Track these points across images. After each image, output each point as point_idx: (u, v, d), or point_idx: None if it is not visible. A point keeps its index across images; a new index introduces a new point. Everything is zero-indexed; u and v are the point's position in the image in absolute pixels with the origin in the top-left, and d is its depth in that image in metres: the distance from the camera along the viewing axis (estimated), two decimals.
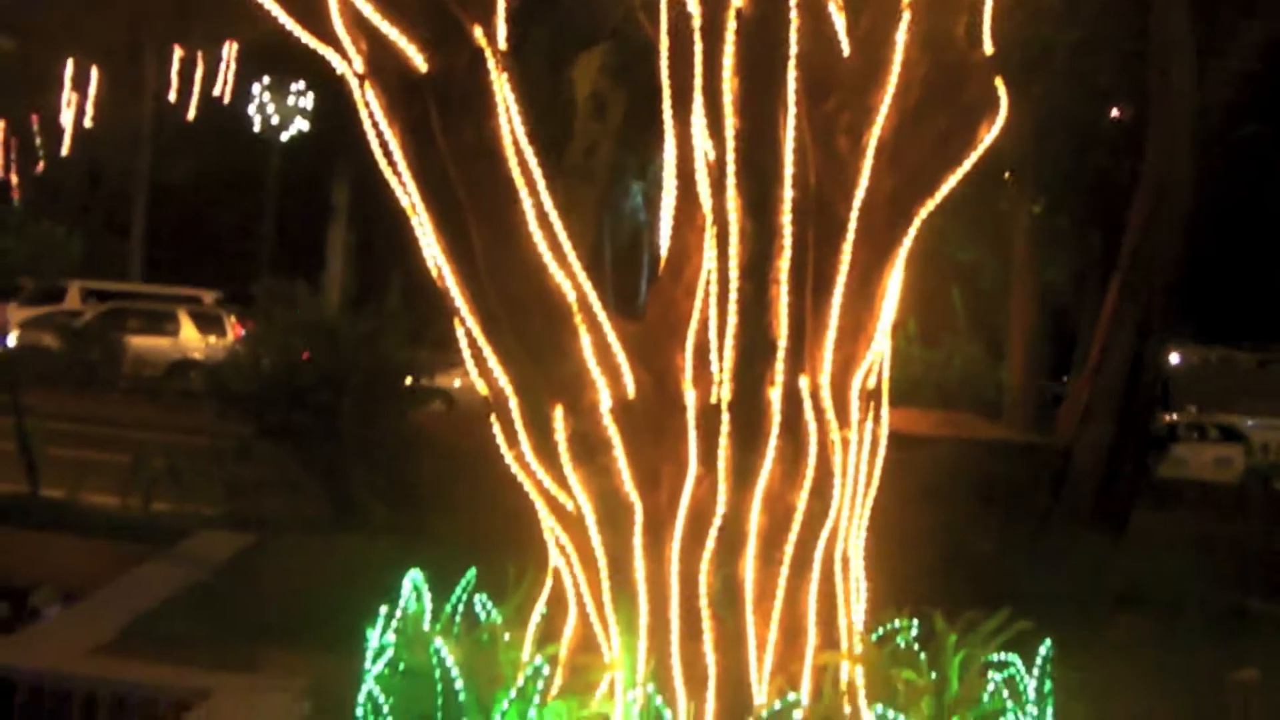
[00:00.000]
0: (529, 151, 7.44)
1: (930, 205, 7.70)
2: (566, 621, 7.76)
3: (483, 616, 8.41)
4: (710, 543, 7.30)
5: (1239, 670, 11.85)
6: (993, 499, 13.90)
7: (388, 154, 7.63)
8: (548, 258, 7.38)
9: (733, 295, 7.26)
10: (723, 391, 7.33)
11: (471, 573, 9.10)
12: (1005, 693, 7.82)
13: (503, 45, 7.41)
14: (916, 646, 8.00)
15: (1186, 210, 15.81)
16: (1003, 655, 8.03)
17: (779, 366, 7.27)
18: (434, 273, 7.63)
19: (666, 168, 7.82)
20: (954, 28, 7.79)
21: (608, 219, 32.62)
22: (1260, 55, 20.37)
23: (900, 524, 11.67)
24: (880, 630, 8.08)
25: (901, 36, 7.60)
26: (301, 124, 48.53)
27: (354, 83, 7.58)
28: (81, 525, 14.94)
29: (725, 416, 7.31)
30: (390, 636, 8.10)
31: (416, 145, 7.49)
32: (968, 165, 7.77)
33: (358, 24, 7.42)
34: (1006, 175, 26.61)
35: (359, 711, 7.83)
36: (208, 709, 8.97)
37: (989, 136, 7.74)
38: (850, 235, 7.46)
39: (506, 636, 7.97)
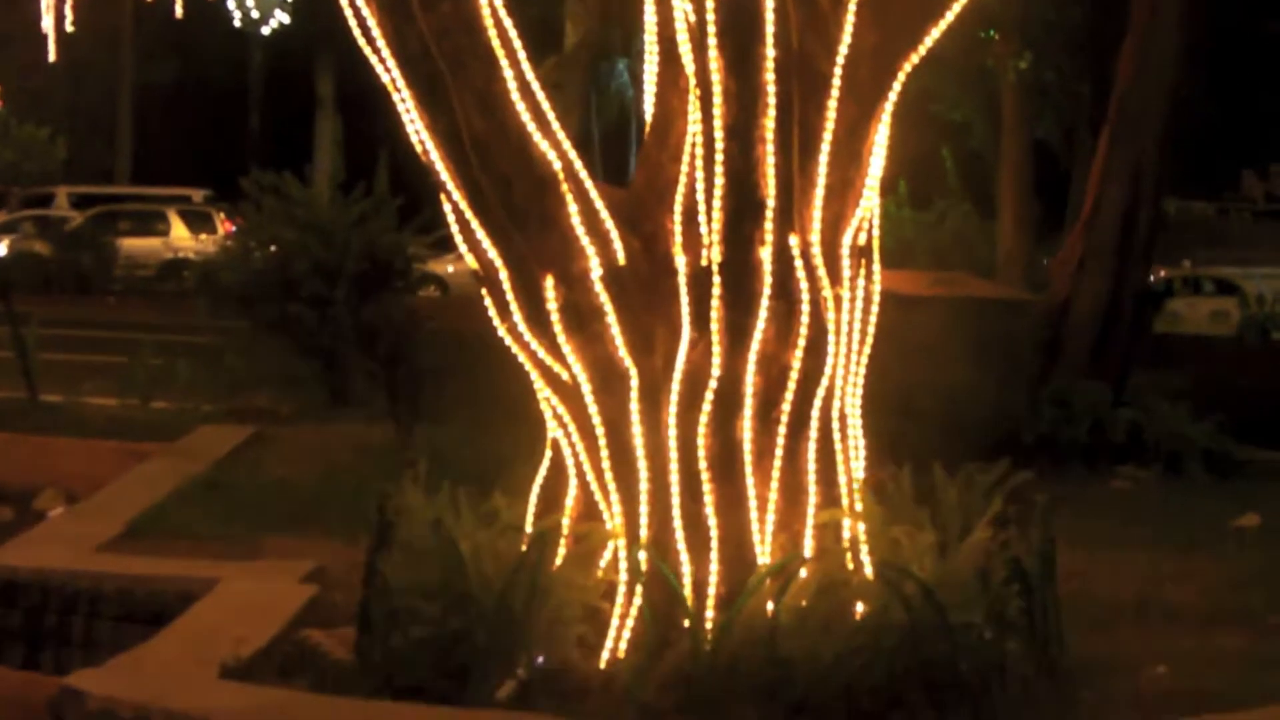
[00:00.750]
0: (508, 22, 7.39)
1: (915, 59, 7.63)
2: (567, 491, 7.77)
3: (483, 492, 8.41)
4: (706, 406, 7.29)
5: (1240, 516, 11.95)
6: (989, 355, 13.87)
7: (366, 33, 7.57)
8: (531, 128, 7.34)
9: (718, 157, 7.20)
10: (713, 254, 7.30)
11: (470, 448, 9.15)
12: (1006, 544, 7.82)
13: None
14: (917, 501, 8.01)
15: (1174, 57, 15.68)
16: (1003, 507, 8.03)
17: (768, 226, 7.23)
18: (418, 149, 7.59)
19: (647, 31, 7.77)
20: None
21: (594, 97, 32.42)
22: None
23: (898, 383, 11.71)
24: (880, 487, 8.10)
25: None
26: (282, 17, 48.09)
27: None
28: (82, 428, 14.96)
29: (716, 279, 7.28)
30: (393, 517, 8.10)
31: (395, 22, 7.41)
32: (950, 17, 7.69)
33: None
34: (992, 32, 26.37)
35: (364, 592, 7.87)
36: (214, 598, 9.00)
37: None
38: (835, 91, 7.38)
39: (508, 510, 7.97)
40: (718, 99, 7.17)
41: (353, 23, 7.58)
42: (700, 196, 7.31)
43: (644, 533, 7.33)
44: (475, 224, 7.54)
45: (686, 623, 7.12)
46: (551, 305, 7.40)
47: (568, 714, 6.96)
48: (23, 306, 18.37)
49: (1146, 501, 12.76)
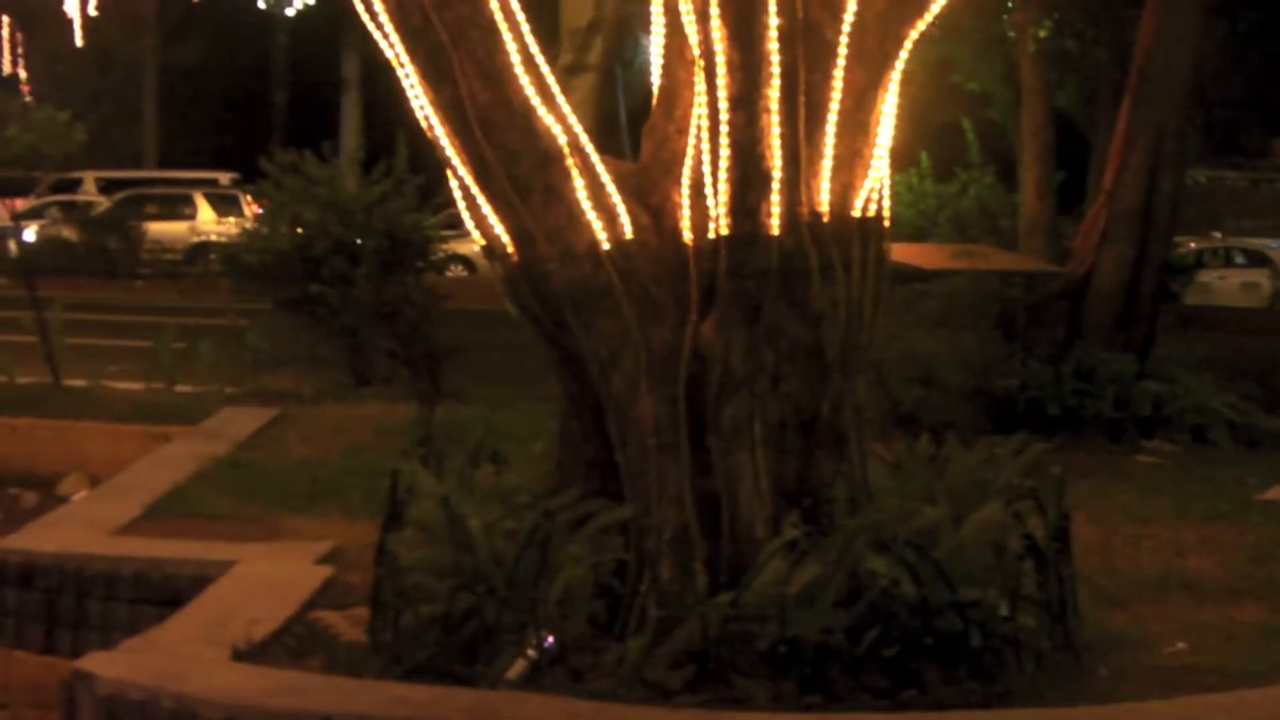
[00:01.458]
0: None
1: (921, 25, 7.53)
2: (577, 468, 7.71)
3: (499, 471, 8.37)
4: (715, 380, 7.24)
5: (1266, 489, 11.83)
6: (1013, 326, 13.77)
7: (369, 6, 7.52)
8: (536, 100, 7.29)
9: (723, 128, 7.14)
10: (720, 226, 7.23)
11: (486, 429, 9.09)
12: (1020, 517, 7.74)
13: None
14: (933, 473, 7.94)
15: (1196, 22, 15.52)
16: (1020, 480, 7.95)
17: (774, 198, 7.16)
18: (423, 124, 7.53)
19: (654, 3, 7.69)
20: None
21: (619, 74, 32.28)
22: None
23: (921, 355, 11.64)
24: (895, 459, 8.03)
25: None
26: None
27: None
28: (106, 412, 14.96)
29: (724, 251, 7.21)
30: (404, 496, 8.06)
31: None
32: None
33: None
34: (1010, 1, 26.18)
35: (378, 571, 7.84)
36: (230, 579, 8.98)
37: None
38: (841, 59, 7.30)
39: (519, 488, 7.93)
40: (721, 69, 7.10)
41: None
42: (706, 168, 7.24)
43: (654, 509, 7.27)
44: (481, 199, 7.49)
45: (697, 600, 7.06)
46: (558, 280, 7.34)
47: (578, 693, 6.91)
48: (50, 291, 18.39)
49: (1171, 474, 12.63)
